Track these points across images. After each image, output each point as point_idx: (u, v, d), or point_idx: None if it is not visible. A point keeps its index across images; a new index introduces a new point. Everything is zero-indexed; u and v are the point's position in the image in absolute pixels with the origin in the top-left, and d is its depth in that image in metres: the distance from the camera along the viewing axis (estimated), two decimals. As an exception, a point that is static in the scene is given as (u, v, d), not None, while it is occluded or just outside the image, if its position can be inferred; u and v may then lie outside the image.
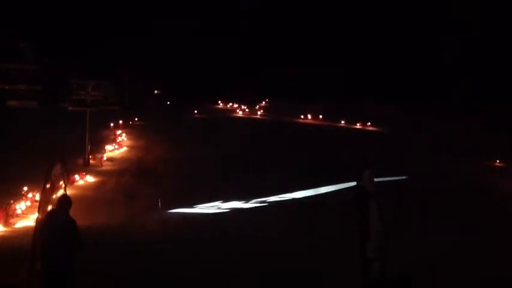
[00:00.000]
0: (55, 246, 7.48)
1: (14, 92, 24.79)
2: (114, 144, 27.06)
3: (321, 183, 21.10)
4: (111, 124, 30.62)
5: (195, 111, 39.65)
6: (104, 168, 23.18)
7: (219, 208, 17.64)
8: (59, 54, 35.02)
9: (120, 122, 31.02)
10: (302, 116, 40.30)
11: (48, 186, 8.78)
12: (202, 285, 9.69)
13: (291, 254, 11.61)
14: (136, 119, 33.12)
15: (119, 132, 29.55)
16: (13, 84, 25.46)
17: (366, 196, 7.41)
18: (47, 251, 7.51)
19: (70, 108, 23.39)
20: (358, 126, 38.76)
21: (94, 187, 20.22)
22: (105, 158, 23.53)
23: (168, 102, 42.33)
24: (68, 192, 9.29)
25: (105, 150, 25.52)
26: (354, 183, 7.80)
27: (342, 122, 39.11)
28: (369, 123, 38.55)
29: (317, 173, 22.79)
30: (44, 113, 29.45)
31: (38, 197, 16.22)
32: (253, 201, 18.62)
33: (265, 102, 44.40)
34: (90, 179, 21.28)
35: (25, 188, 17.27)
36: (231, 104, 44.44)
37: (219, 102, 45.40)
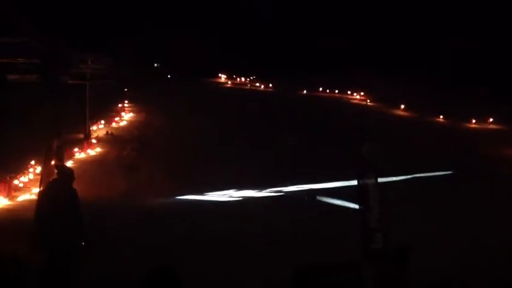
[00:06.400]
0: (56, 217, 7.55)
1: (14, 66, 24.59)
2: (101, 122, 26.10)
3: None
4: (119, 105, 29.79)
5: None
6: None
7: (230, 196, 16.41)
8: (59, 28, 34.74)
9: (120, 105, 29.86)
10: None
11: (50, 159, 8.84)
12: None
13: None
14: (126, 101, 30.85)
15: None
16: (13, 58, 25.24)
17: (365, 166, 7.48)
18: (48, 221, 7.59)
19: (70, 81, 23.25)
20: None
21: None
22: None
23: (169, 76, 41.93)
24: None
25: (89, 133, 23.78)
26: None
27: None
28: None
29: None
30: (44, 86, 29.31)
31: (38, 170, 16.33)
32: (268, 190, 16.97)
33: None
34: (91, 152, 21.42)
35: (32, 162, 17.40)
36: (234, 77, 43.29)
37: (220, 75, 44.55)
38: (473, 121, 28.33)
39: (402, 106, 31.37)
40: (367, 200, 7.32)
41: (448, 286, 6.96)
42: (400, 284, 7.13)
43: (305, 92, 36.30)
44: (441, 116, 29.39)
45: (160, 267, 5.23)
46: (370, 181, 7.33)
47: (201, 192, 16.34)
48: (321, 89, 37.29)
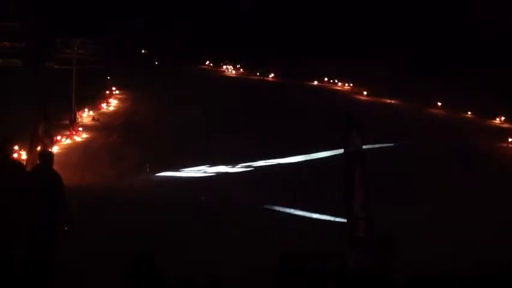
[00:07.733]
0: (39, 202, 7.53)
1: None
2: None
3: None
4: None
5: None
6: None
7: (205, 172, 17.74)
8: (44, 11, 34.35)
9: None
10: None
11: (36, 144, 8.80)
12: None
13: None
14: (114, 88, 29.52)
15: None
16: (-1, 42, 24.99)
17: (351, 156, 7.51)
18: (33, 205, 7.57)
19: (55, 66, 23.03)
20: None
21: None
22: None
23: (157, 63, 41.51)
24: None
25: (75, 119, 23.04)
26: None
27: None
28: None
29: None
30: (29, 71, 29.05)
31: (24, 155, 16.23)
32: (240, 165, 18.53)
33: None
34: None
35: (16, 147, 17.28)
36: (223, 65, 42.66)
37: (207, 62, 44.18)
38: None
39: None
40: (352, 188, 7.35)
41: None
42: (386, 271, 7.18)
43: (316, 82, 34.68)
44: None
45: (139, 257, 5.22)
46: (357, 169, 7.37)
47: (177, 169, 17.64)
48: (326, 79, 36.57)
